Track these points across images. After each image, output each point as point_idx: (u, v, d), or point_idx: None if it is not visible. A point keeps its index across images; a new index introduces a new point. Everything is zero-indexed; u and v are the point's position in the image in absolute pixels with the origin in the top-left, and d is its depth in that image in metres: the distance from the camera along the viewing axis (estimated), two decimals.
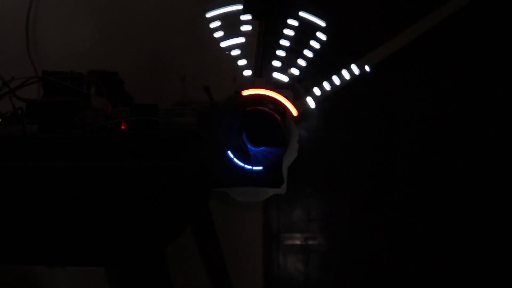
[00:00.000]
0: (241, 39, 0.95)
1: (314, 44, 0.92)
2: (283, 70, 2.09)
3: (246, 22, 0.94)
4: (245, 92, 0.92)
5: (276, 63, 0.94)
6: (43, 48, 2.13)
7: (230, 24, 0.95)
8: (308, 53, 0.92)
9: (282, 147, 0.88)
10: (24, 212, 0.87)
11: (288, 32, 0.91)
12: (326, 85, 0.96)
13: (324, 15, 0.90)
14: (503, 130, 2.31)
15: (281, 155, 0.88)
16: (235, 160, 0.89)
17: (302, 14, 0.90)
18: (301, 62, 0.92)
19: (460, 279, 2.32)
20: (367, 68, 0.94)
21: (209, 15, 0.95)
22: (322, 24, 0.90)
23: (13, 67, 1.24)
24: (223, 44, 0.94)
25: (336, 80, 0.95)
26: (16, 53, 2.09)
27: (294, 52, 0.94)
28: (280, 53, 0.92)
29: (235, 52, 0.94)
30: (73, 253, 0.88)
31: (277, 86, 0.93)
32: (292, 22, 0.91)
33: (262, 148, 0.88)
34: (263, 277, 2.33)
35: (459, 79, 2.31)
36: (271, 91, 0.93)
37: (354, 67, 0.96)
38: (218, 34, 0.95)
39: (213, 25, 0.96)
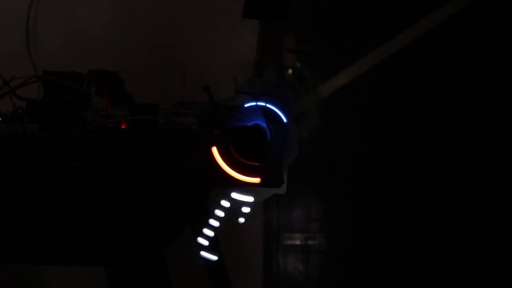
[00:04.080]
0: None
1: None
2: (282, 70, 2.08)
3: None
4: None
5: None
6: (43, 48, 2.13)
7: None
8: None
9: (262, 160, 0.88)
10: (24, 212, 0.87)
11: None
12: None
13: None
14: (503, 130, 2.31)
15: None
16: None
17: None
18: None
19: (460, 278, 2.32)
20: None
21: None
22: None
23: (13, 67, 1.24)
24: None
25: None
26: (16, 52, 2.09)
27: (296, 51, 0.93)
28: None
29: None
30: (73, 253, 0.88)
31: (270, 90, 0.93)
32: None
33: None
34: (263, 277, 2.33)
35: (459, 79, 2.31)
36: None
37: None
38: None
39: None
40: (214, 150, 0.88)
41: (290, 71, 2.33)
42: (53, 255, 0.89)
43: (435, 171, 2.32)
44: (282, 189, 0.92)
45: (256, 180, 0.89)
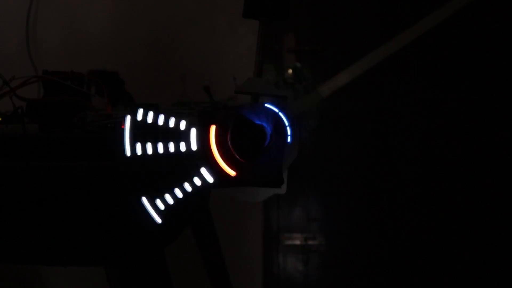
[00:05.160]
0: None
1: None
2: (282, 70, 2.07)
3: None
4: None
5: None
6: (43, 48, 2.13)
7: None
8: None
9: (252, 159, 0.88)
10: (24, 212, 0.87)
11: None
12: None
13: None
14: (503, 130, 2.31)
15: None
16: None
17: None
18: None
19: (460, 278, 2.32)
20: None
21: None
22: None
23: (13, 67, 1.24)
24: None
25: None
26: (16, 52, 2.09)
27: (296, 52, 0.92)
28: None
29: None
30: (73, 253, 0.88)
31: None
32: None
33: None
34: (263, 277, 2.33)
35: (459, 80, 2.31)
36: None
37: None
38: None
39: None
40: (212, 128, 0.88)
41: (290, 71, 2.33)
42: (53, 255, 0.89)
43: (435, 171, 2.32)
44: (282, 189, 0.92)
45: (232, 173, 0.89)
